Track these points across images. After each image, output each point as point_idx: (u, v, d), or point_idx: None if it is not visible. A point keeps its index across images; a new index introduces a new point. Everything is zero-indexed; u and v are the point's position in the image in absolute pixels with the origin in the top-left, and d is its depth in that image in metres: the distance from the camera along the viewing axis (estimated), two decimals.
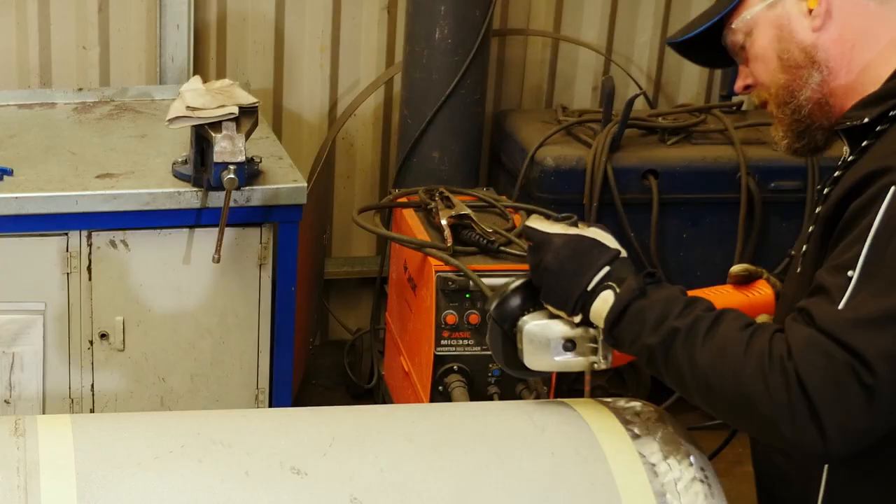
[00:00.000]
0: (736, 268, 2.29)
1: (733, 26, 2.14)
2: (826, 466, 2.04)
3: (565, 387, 3.71)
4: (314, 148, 4.79)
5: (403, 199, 3.92)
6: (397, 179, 4.54)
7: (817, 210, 2.06)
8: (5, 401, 3.65)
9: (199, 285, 3.67)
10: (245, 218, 3.64)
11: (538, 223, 2.15)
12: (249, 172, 3.56)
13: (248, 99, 3.59)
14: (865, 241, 1.84)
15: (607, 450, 2.06)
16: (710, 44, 2.19)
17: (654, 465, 2.05)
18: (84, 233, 3.57)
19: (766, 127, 4.23)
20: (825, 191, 2.05)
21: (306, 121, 4.82)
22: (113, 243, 3.60)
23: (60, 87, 4.42)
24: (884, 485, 2.02)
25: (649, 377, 4.38)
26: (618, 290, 2.01)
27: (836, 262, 1.88)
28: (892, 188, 1.84)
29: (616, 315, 2.00)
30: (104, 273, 3.61)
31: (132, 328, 3.67)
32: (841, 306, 1.82)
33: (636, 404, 2.20)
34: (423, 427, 2.12)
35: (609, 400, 2.23)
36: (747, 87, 2.18)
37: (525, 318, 2.13)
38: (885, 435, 1.92)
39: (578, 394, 2.32)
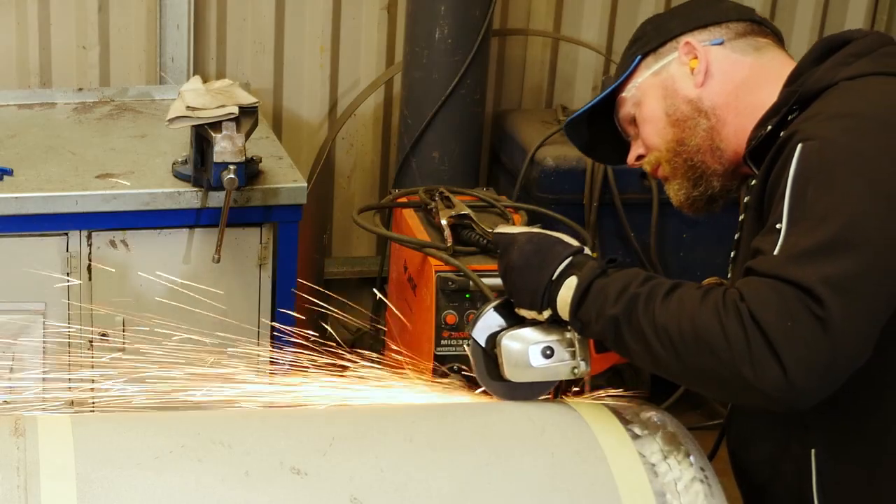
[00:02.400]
0: (709, 280, 2.34)
1: (624, 94, 2.29)
2: (814, 451, 2.07)
3: (565, 386, 3.70)
4: (314, 148, 4.79)
5: (403, 199, 3.92)
6: (397, 179, 4.54)
7: (741, 217, 2.17)
8: (5, 401, 3.65)
9: (199, 285, 3.67)
10: (245, 218, 3.64)
11: (504, 228, 2.25)
12: (249, 172, 3.56)
13: (248, 99, 3.59)
14: (785, 196, 1.93)
15: (607, 450, 2.06)
16: (603, 136, 2.38)
17: (654, 465, 2.05)
18: (84, 233, 3.57)
19: None
20: (745, 199, 2.16)
21: (306, 121, 4.82)
22: (113, 243, 3.60)
23: (60, 87, 4.42)
24: (874, 465, 2.05)
25: (650, 377, 4.37)
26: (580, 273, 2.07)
27: (766, 227, 1.96)
28: (800, 145, 1.94)
29: (580, 295, 2.05)
30: (104, 273, 3.61)
31: (132, 328, 3.67)
32: (776, 252, 1.90)
33: (636, 404, 2.20)
34: (423, 427, 2.12)
35: (609, 399, 2.24)
36: (639, 158, 2.32)
37: (502, 333, 2.17)
38: (869, 410, 2.00)
39: (579, 394, 2.33)
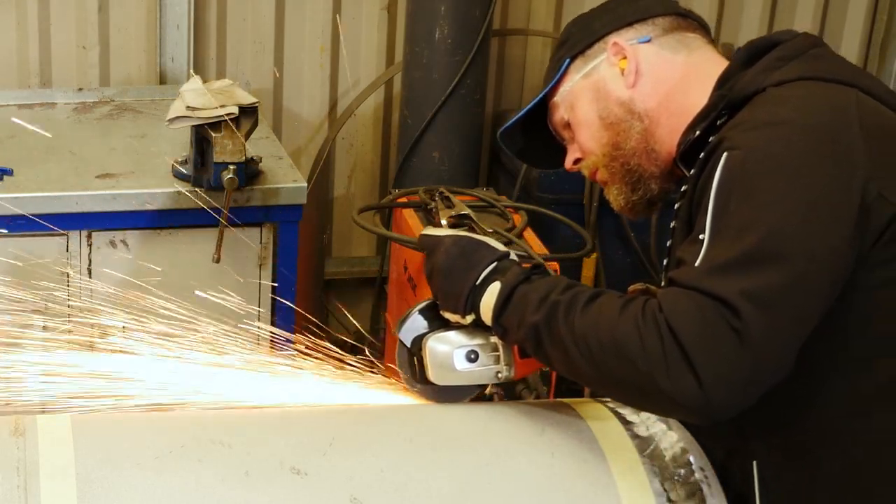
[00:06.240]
0: (635, 286, 2.32)
1: (556, 99, 2.28)
2: (756, 463, 2.07)
3: (565, 387, 3.70)
4: (314, 148, 4.79)
5: (403, 199, 3.92)
6: (397, 179, 4.54)
7: (672, 224, 2.15)
8: (5, 401, 3.65)
9: (199, 285, 3.67)
10: (245, 218, 3.64)
11: (431, 230, 2.24)
12: (249, 172, 3.56)
13: (248, 99, 3.59)
14: (709, 207, 1.92)
15: (607, 450, 2.07)
16: (538, 142, 2.38)
17: (653, 464, 2.05)
18: (84, 233, 3.57)
19: None
20: (676, 206, 2.13)
21: (306, 121, 4.82)
22: (113, 243, 3.60)
23: (60, 87, 4.42)
24: (813, 472, 2.06)
25: None
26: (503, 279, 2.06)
27: (691, 236, 1.95)
28: (725, 154, 1.93)
29: (502, 300, 2.04)
30: (104, 273, 3.61)
31: (132, 328, 3.66)
32: (697, 264, 1.89)
33: None
34: (423, 427, 2.12)
35: (609, 400, 2.24)
36: (577, 161, 2.30)
37: (428, 335, 2.17)
38: (803, 421, 2.01)
39: (578, 394, 2.33)
